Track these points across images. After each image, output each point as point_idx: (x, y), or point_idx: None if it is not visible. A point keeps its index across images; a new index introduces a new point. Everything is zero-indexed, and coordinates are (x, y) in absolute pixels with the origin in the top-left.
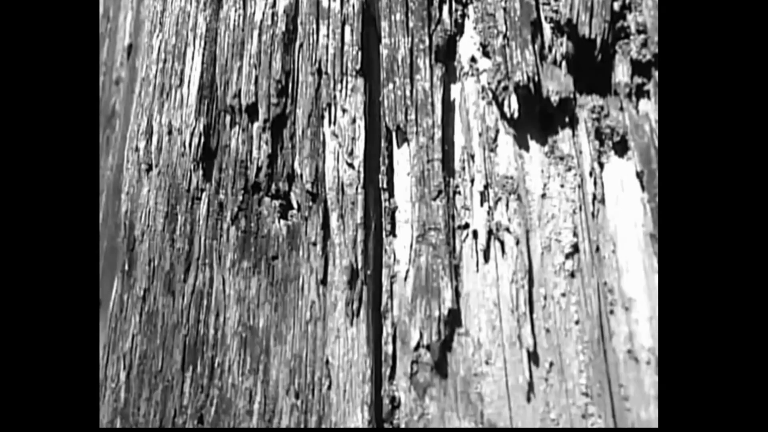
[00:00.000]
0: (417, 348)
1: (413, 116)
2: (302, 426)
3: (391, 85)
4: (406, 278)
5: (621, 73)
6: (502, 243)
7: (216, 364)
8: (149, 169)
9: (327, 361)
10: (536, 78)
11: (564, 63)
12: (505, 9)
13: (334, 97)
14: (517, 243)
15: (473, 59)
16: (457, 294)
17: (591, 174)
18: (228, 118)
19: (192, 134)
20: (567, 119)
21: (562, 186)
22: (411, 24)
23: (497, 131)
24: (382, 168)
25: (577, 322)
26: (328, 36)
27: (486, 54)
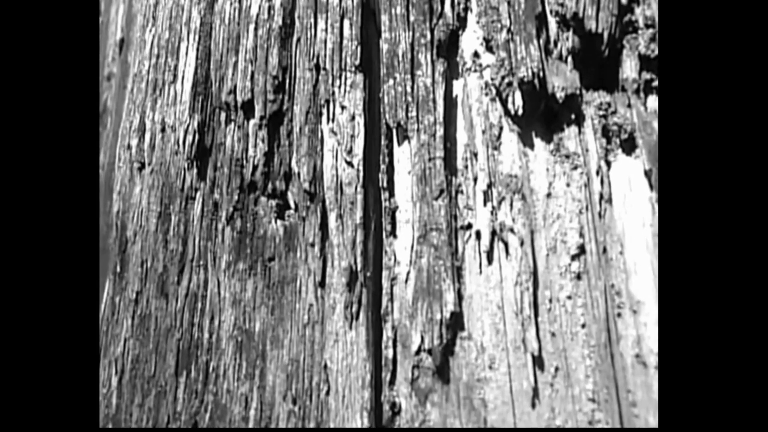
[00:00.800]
0: (418, 352)
1: (414, 113)
2: None
3: (391, 81)
4: (406, 280)
5: (629, 69)
6: (506, 244)
7: (211, 369)
8: (142, 167)
9: (325, 366)
10: (541, 74)
11: (570, 58)
12: (509, 2)
13: (333, 93)
14: (522, 244)
15: (476, 54)
16: (459, 296)
17: (598, 172)
18: (223, 115)
19: (186, 132)
20: (573, 116)
21: (567, 185)
22: (412, 18)
23: (501, 128)
24: (382, 166)
25: (583, 326)
26: (326, 30)
27: (489, 49)
